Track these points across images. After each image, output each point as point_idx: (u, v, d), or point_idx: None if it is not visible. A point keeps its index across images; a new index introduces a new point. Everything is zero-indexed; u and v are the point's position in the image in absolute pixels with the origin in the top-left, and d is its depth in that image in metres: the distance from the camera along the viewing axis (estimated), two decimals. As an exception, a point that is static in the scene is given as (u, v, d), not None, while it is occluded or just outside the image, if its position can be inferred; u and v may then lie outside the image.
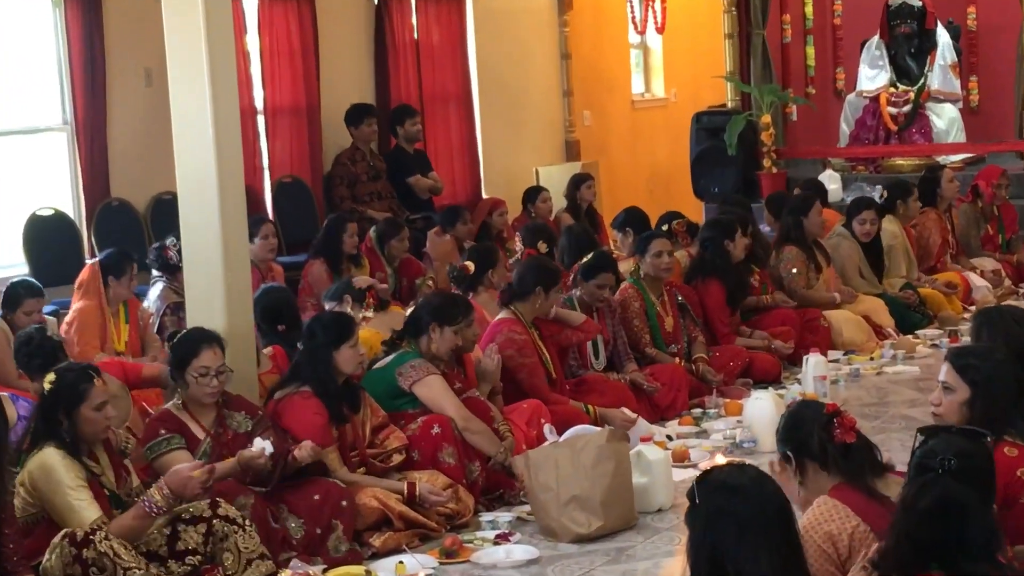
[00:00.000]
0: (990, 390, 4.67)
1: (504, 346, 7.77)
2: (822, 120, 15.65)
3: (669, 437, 7.97)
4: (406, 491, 6.50)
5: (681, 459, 7.44)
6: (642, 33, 16.41)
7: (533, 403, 7.61)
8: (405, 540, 6.39)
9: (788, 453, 4.40)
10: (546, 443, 6.90)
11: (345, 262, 10.02)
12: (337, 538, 6.21)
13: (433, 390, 7.01)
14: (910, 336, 10.23)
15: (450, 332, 7.12)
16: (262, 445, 6.03)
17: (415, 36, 13.18)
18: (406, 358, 7.09)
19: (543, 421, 7.39)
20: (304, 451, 6.19)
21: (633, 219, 10.63)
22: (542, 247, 9.77)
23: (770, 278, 10.12)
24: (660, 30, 16.40)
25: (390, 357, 7.14)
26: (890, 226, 11.05)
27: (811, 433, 4.38)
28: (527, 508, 6.77)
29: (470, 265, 8.77)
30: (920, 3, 14.91)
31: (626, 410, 7.95)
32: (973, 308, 10.28)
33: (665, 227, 10.07)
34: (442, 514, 6.60)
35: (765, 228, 11.34)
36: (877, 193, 11.92)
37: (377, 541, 6.35)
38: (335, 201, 11.82)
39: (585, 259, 8.60)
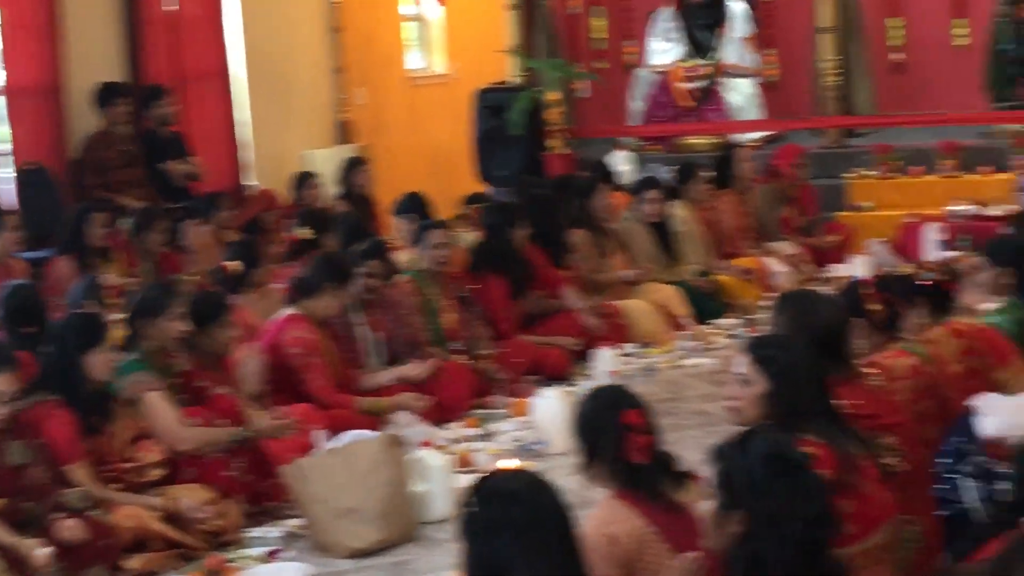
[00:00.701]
0: (789, 382, 4.67)
1: (288, 344, 7.77)
2: (614, 97, 15.80)
3: (451, 441, 8.01)
4: (165, 507, 6.45)
5: (465, 464, 7.47)
6: (419, 4, 16.42)
7: (303, 408, 7.60)
8: (166, 561, 6.34)
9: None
10: (319, 451, 6.90)
11: (93, 257, 9.79)
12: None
13: (150, 409, 6.91)
14: (707, 325, 10.41)
15: (164, 323, 7.07)
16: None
17: (170, 8, 12.95)
18: (129, 369, 6.98)
19: (314, 427, 7.36)
20: None
21: (415, 204, 10.66)
22: (306, 233, 9.75)
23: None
24: (441, 1, 16.43)
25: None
26: (680, 210, 11.26)
27: (604, 442, 4.50)
28: (299, 522, 6.76)
29: (233, 264, 8.71)
30: (713, -28, 15.20)
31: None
32: (773, 295, 10.47)
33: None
34: (206, 531, 6.56)
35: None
36: (672, 173, 12.13)
37: (135, 563, 6.29)
38: (84, 190, 11.56)
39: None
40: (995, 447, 5.00)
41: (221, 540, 6.60)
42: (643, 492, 4.43)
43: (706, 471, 3.91)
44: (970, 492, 4.98)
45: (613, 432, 4.49)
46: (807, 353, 4.85)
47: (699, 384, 9.06)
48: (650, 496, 4.42)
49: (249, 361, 7.63)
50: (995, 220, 10.95)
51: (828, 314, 5.48)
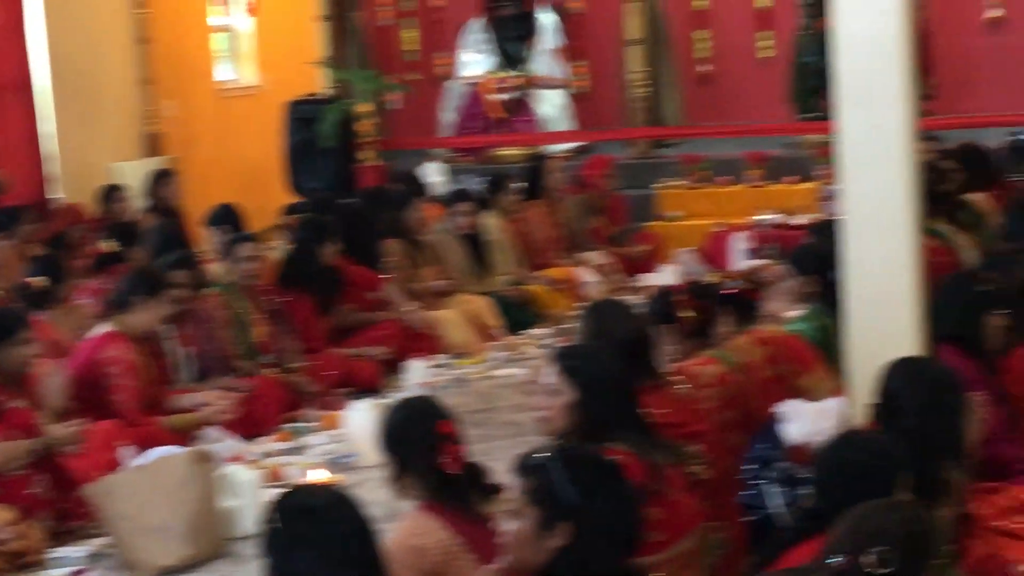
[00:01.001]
0: (595, 392, 4.67)
1: (105, 363, 7.61)
2: (425, 108, 15.82)
3: (261, 455, 7.90)
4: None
5: (275, 479, 7.37)
6: (230, 15, 16.26)
7: (106, 425, 7.43)
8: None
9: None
10: (125, 467, 6.74)
11: None
12: None
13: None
14: (518, 336, 10.41)
15: None
16: None
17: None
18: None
19: (119, 443, 7.21)
20: None
21: (228, 216, 10.53)
22: (111, 246, 9.58)
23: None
24: (252, 12, 16.29)
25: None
26: (491, 221, 11.26)
27: (416, 453, 4.45)
28: (105, 540, 6.60)
29: (37, 280, 8.50)
30: (523, -17, 15.30)
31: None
32: (583, 304, 10.52)
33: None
34: (6, 553, 6.37)
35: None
36: (484, 184, 12.13)
37: (-69, 587, 6.11)
38: None
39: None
40: (799, 453, 5.05)
41: (23, 562, 6.40)
42: (452, 503, 4.39)
43: (514, 483, 3.86)
44: (775, 498, 5.03)
45: (426, 443, 4.45)
46: (614, 362, 4.85)
47: (510, 395, 9.03)
48: (459, 508, 4.38)
49: (53, 377, 7.44)
50: (800, 229, 11.10)
51: (635, 323, 5.52)
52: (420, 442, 4.48)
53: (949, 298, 5.65)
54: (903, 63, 5.32)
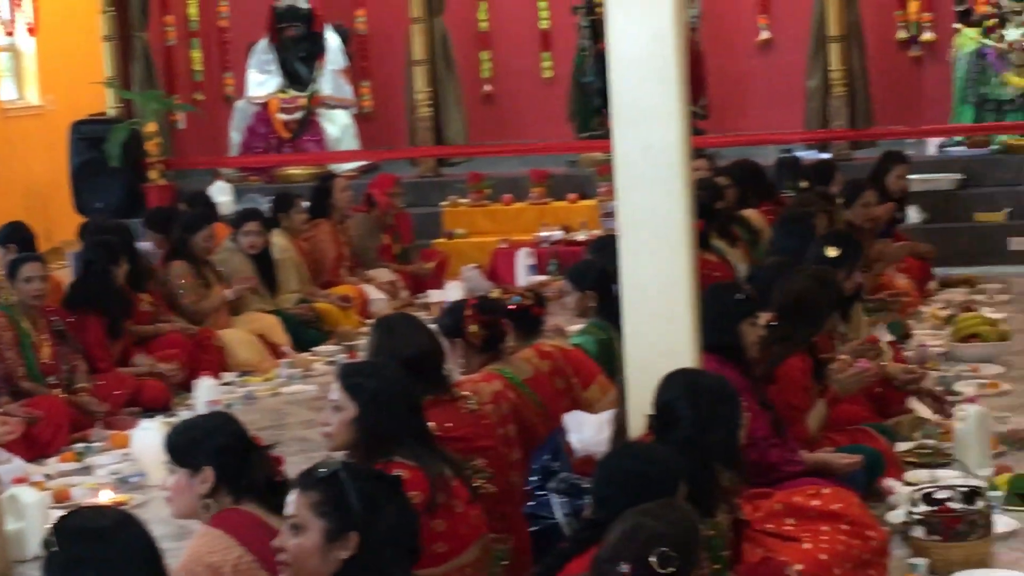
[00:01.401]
0: (378, 407, 4.67)
1: None
2: (213, 128, 15.67)
3: (48, 476, 7.75)
4: None
5: (62, 499, 7.24)
6: (11, 35, 15.91)
7: None
8: None
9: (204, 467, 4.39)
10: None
11: None
12: None
13: None
14: (307, 353, 10.36)
15: None
16: None
17: None
18: None
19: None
20: None
21: (15, 234, 10.30)
22: None
23: (162, 296, 10.06)
24: (32, 32, 15.97)
25: None
26: (278, 239, 11.18)
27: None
28: None
29: None
30: (307, 5, 15.25)
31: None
32: (371, 321, 10.52)
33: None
34: None
35: (147, 245, 11.18)
36: (271, 204, 12.06)
37: None
38: None
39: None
40: (581, 464, 5.10)
41: None
42: (253, 514, 4.35)
43: (298, 498, 3.85)
44: (558, 508, 5.07)
45: (237, 445, 4.43)
46: (397, 378, 4.86)
47: (300, 411, 9.00)
48: (259, 519, 4.34)
49: None
50: (582, 245, 11.24)
51: (420, 338, 5.54)
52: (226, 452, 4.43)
53: (710, 309, 5.76)
54: (675, 84, 5.39)
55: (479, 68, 16.00)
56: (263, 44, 15.29)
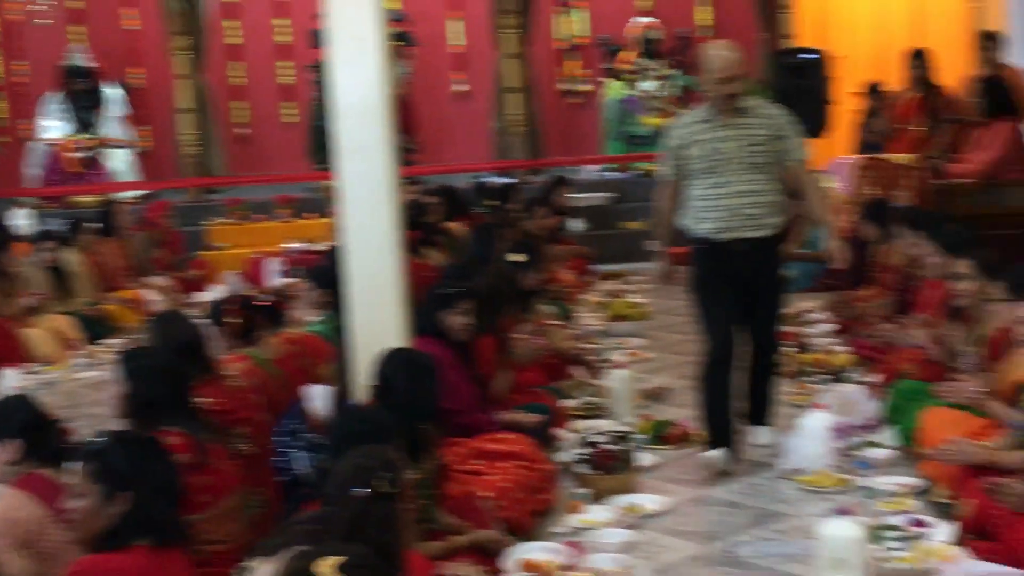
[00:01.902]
0: (146, 384, 4.55)
1: None
2: (14, 165, 15.12)
3: None
4: None
5: None
6: None
7: None
8: None
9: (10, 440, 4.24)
10: None
11: None
12: None
13: None
14: (96, 346, 10.03)
15: None
16: None
17: None
18: None
19: None
20: None
21: None
22: None
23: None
24: None
25: None
26: (72, 255, 10.86)
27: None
28: None
29: None
30: (91, 64, 14.87)
31: None
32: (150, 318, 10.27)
33: None
34: None
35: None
36: (65, 226, 11.69)
37: None
38: None
39: None
40: (320, 426, 5.06)
41: None
42: (45, 480, 4.19)
43: (79, 467, 3.74)
44: (301, 462, 5.02)
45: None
46: (164, 360, 4.77)
47: (91, 393, 8.68)
48: (51, 484, 4.18)
49: None
50: (319, 254, 11.15)
51: (188, 330, 5.45)
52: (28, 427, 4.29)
53: (424, 302, 5.80)
54: (386, 125, 5.45)
55: (235, 115, 15.77)
56: (55, 95, 14.80)
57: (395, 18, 14.33)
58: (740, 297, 5.94)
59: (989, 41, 10.83)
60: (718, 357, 5.94)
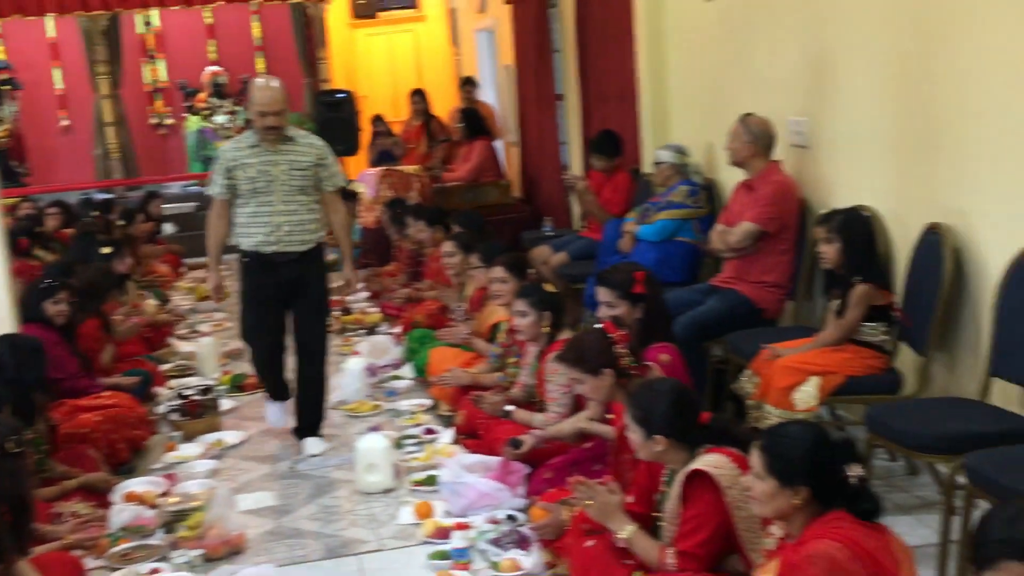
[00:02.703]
0: None
1: None
2: None
3: None
4: None
5: None
6: None
7: None
8: None
9: None
10: None
11: None
12: None
13: None
14: None
15: None
16: None
17: None
18: None
19: None
20: None
21: None
22: None
23: None
24: None
25: None
26: None
27: None
28: None
29: None
30: None
31: None
32: None
33: None
34: None
35: None
36: None
37: None
38: None
39: None
40: None
41: None
42: None
43: None
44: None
45: None
46: None
47: None
48: None
49: None
50: None
51: None
52: None
53: (27, 294, 5.31)
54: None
55: None
56: None
57: (1, 66, 13.14)
58: (286, 308, 5.22)
59: (467, 83, 11.32)
60: (266, 359, 5.35)
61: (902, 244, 4.44)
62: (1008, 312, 3.66)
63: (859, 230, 4.23)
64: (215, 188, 5.14)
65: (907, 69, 4.36)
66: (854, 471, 2.48)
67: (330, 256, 6.13)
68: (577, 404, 4.29)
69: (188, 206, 12.82)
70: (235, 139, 5.19)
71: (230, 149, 5.11)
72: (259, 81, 5.06)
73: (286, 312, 5.23)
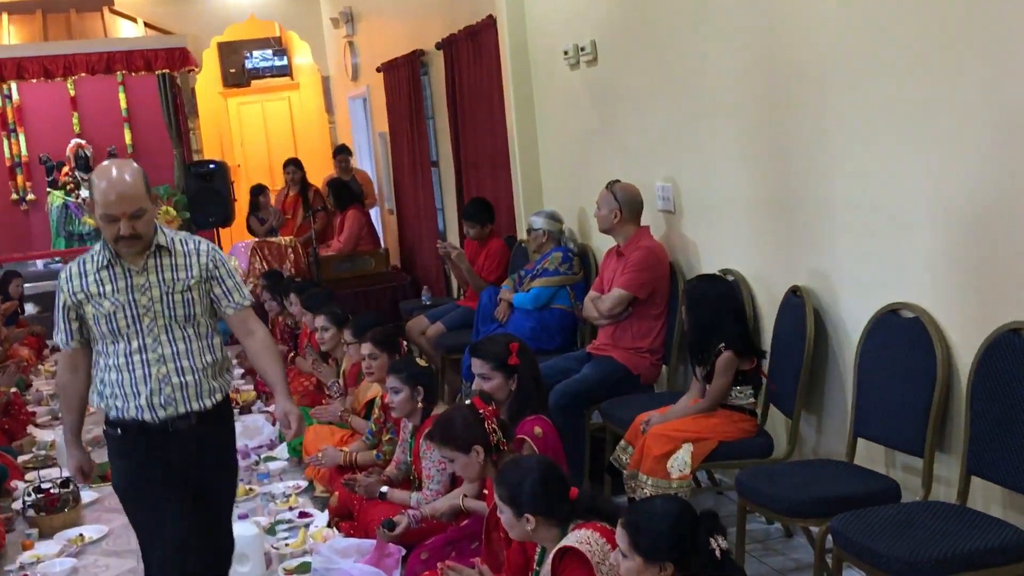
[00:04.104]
0: None
1: None
2: None
3: None
4: None
5: None
6: None
7: None
8: None
9: None
10: None
11: None
12: None
13: None
14: None
15: None
16: None
17: None
18: None
19: None
20: None
21: None
22: None
23: None
24: None
25: None
26: None
27: None
28: None
29: None
30: None
31: None
32: None
33: None
34: None
35: None
36: None
37: None
38: None
39: None
40: None
41: None
42: None
43: None
44: None
45: None
46: None
47: None
48: None
49: None
50: None
51: None
52: None
53: None
54: None
55: None
56: None
57: None
58: (186, 492, 3.48)
59: (341, 151, 11.28)
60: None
61: (768, 307, 4.55)
62: (867, 373, 3.77)
63: (711, 298, 4.29)
64: (59, 335, 3.55)
65: (764, 132, 4.51)
66: (718, 543, 2.49)
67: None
68: (455, 481, 4.25)
69: (51, 284, 12.38)
70: (78, 259, 3.51)
71: (74, 276, 3.49)
72: (102, 170, 3.42)
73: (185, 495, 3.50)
